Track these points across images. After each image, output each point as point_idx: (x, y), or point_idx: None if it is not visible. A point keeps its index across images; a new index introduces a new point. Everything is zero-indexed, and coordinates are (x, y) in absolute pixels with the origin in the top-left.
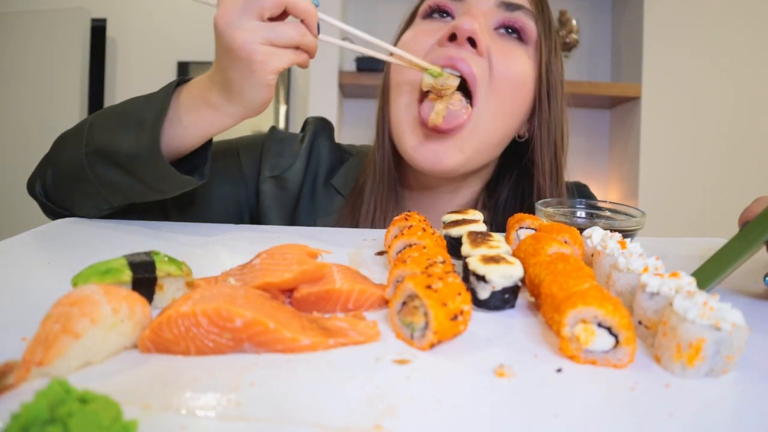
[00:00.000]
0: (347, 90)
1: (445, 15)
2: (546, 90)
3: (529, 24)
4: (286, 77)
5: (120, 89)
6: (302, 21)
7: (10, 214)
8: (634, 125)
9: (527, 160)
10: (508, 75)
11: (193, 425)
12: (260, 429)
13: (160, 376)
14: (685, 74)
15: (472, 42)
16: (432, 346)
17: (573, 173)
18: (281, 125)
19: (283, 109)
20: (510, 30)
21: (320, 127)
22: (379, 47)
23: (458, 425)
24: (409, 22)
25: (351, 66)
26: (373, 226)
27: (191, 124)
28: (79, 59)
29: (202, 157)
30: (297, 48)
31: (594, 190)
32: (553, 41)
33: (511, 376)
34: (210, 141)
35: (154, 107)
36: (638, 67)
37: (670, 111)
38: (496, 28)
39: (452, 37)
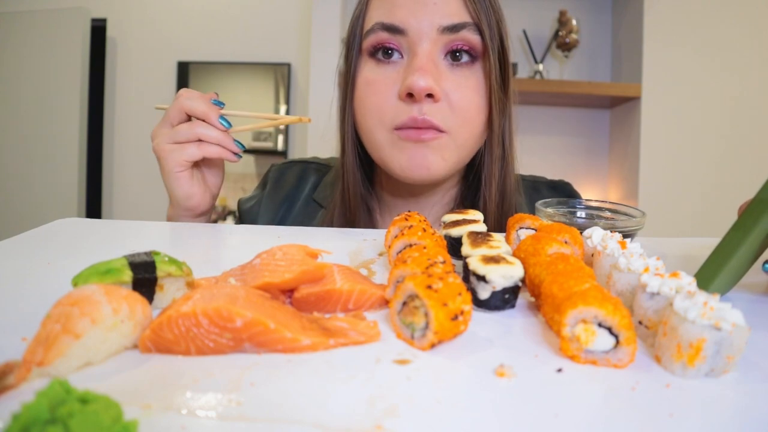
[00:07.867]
0: None
1: (390, 51)
2: (497, 94)
3: (474, 39)
4: (286, 77)
5: (120, 89)
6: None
7: (10, 214)
8: (634, 125)
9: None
10: (467, 106)
11: (193, 425)
12: (260, 429)
13: (161, 376)
14: (685, 74)
15: (429, 94)
16: (432, 346)
17: (573, 173)
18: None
19: (283, 109)
20: (458, 53)
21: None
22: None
23: (459, 425)
24: (353, 47)
25: None
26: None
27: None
28: (79, 59)
29: None
30: (200, 141)
31: (594, 190)
32: (498, 41)
33: (511, 376)
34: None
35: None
36: (638, 67)
37: (670, 111)
38: (445, 55)
39: (410, 94)
